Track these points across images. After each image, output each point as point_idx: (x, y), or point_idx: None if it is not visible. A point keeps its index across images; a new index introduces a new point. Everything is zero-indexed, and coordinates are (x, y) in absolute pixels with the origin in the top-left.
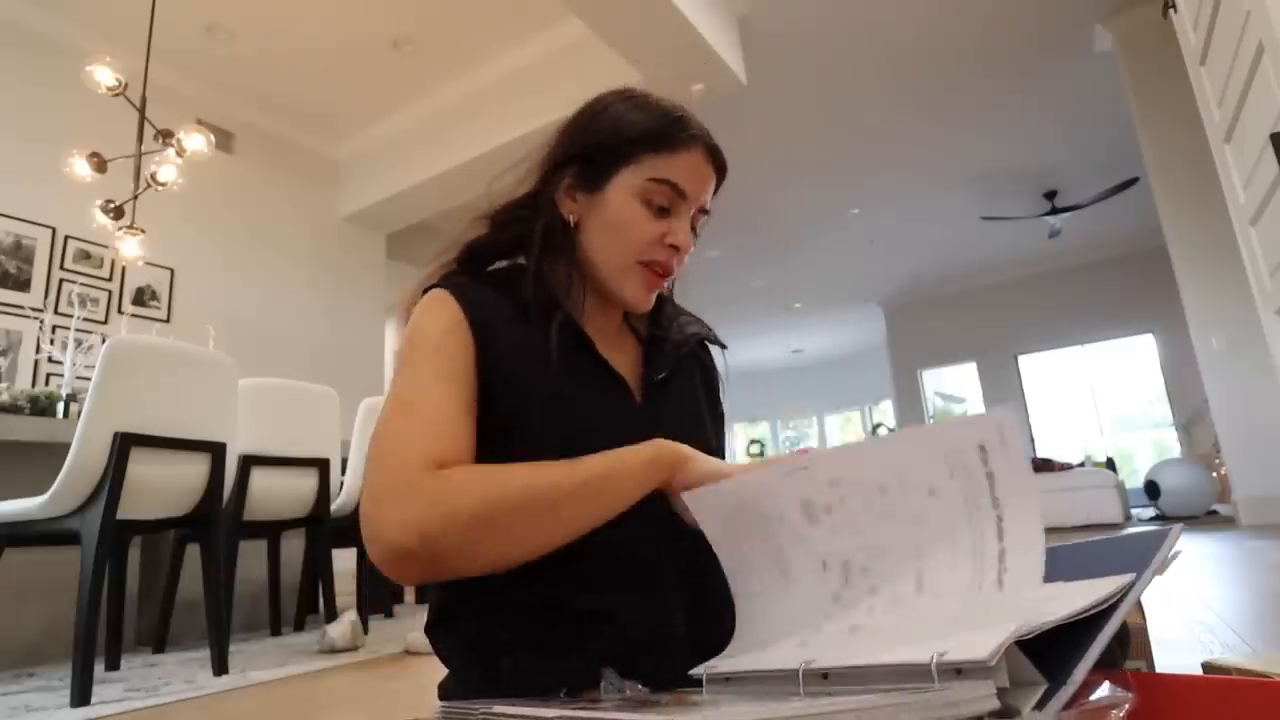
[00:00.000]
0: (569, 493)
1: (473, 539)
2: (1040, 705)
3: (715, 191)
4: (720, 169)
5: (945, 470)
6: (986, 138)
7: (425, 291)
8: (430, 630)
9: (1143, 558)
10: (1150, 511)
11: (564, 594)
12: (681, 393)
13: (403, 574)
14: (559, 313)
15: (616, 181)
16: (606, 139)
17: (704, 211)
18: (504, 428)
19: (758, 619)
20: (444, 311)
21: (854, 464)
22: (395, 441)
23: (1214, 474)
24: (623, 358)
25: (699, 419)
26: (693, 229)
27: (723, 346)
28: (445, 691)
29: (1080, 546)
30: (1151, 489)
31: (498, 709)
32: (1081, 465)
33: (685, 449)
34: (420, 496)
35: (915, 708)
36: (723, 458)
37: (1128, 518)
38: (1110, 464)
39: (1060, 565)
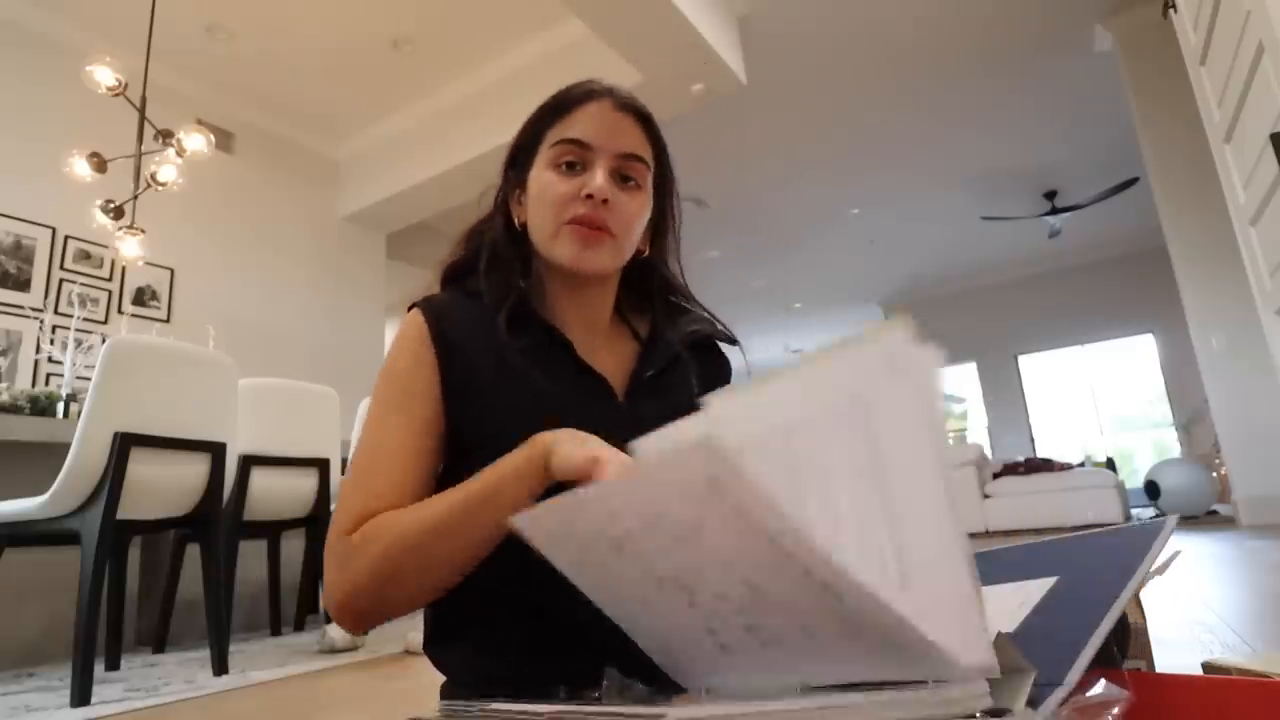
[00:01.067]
0: (459, 516)
1: (386, 588)
2: (1034, 704)
3: (657, 143)
4: (638, 115)
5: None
6: (986, 138)
7: (410, 309)
8: (428, 646)
9: (1137, 552)
10: (1150, 512)
11: (556, 601)
12: (675, 391)
13: (351, 628)
14: (509, 299)
15: (535, 165)
16: (522, 134)
17: (634, 158)
18: (479, 435)
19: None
20: (409, 334)
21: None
22: (339, 504)
23: (1214, 474)
24: (613, 356)
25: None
26: (630, 179)
27: (733, 342)
28: (447, 695)
29: (1075, 541)
30: (1151, 489)
31: (494, 706)
32: (1081, 465)
33: (553, 436)
34: (338, 562)
35: (910, 705)
36: None
37: (1128, 518)
38: (1110, 464)
39: (1055, 560)
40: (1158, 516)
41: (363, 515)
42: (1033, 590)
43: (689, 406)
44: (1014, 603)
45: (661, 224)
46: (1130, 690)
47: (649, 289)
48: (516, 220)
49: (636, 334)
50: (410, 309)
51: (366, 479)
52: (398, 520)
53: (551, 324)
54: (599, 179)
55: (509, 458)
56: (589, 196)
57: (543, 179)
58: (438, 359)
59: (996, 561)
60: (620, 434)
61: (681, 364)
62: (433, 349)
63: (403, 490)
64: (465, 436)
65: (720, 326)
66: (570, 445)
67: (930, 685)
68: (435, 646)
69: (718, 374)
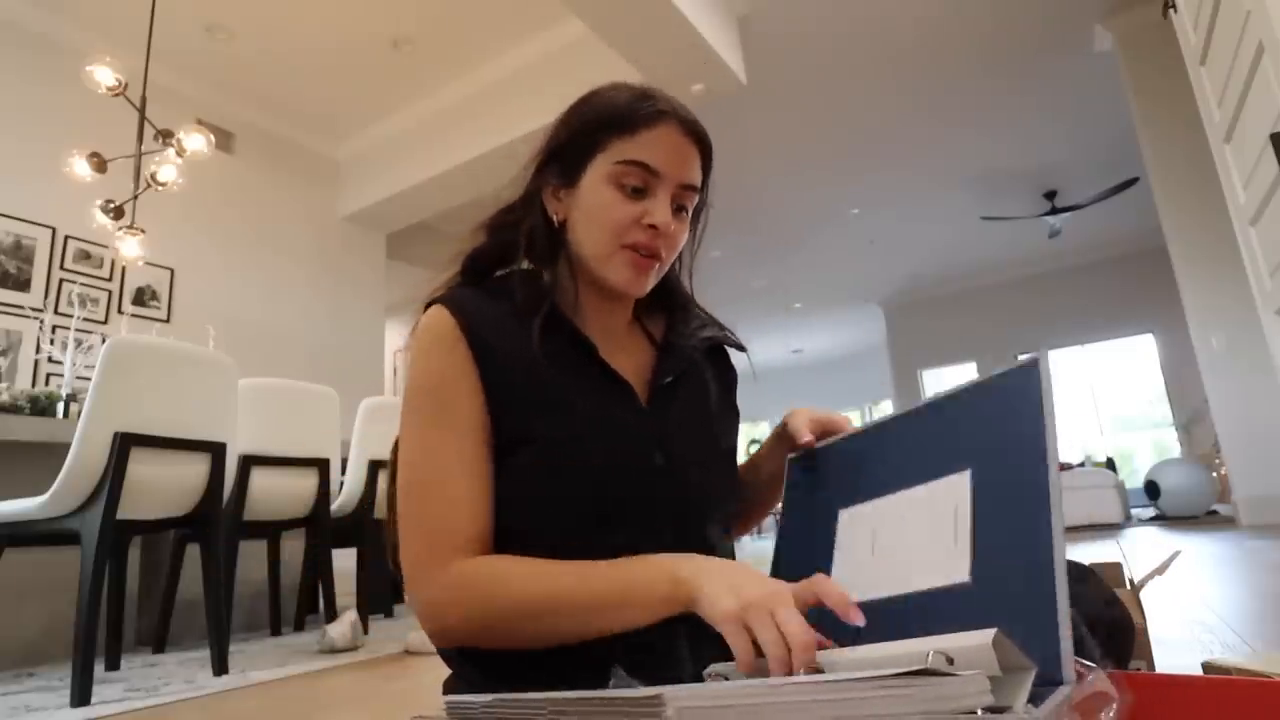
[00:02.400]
0: (570, 607)
1: (480, 635)
2: (1036, 702)
3: (707, 170)
4: (701, 143)
5: None
6: (986, 138)
7: (429, 306)
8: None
9: (1029, 416)
10: (1150, 511)
11: None
12: (692, 397)
13: (434, 641)
14: (543, 308)
15: (589, 172)
16: (575, 132)
17: (691, 189)
18: (511, 439)
19: None
20: (440, 334)
21: None
22: (405, 525)
23: (1214, 474)
24: (632, 360)
25: (708, 424)
26: (683, 208)
27: (741, 349)
28: (449, 691)
29: (947, 411)
30: (1151, 489)
31: (496, 699)
32: (1081, 465)
33: (691, 568)
34: (436, 592)
35: (912, 699)
36: (734, 460)
37: (1128, 518)
38: (1110, 464)
39: (941, 438)
40: (1158, 517)
41: (441, 542)
42: (952, 498)
43: (706, 413)
44: (943, 522)
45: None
46: (1128, 688)
47: (664, 293)
48: (553, 215)
49: (651, 336)
50: (428, 305)
51: (431, 504)
52: (503, 578)
53: (578, 328)
54: (665, 212)
55: (643, 585)
56: (651, 227)
57: (602, 195)
58: (474, 357)
59: (882, 437)
60: (644, 438)
61: (697, 369)
62: (467, 347)
63: (474, 512)
64: (505, 434)
65: (728, 332)
66: (717, 589)
67: (926, 683)
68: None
69: (726, 376)
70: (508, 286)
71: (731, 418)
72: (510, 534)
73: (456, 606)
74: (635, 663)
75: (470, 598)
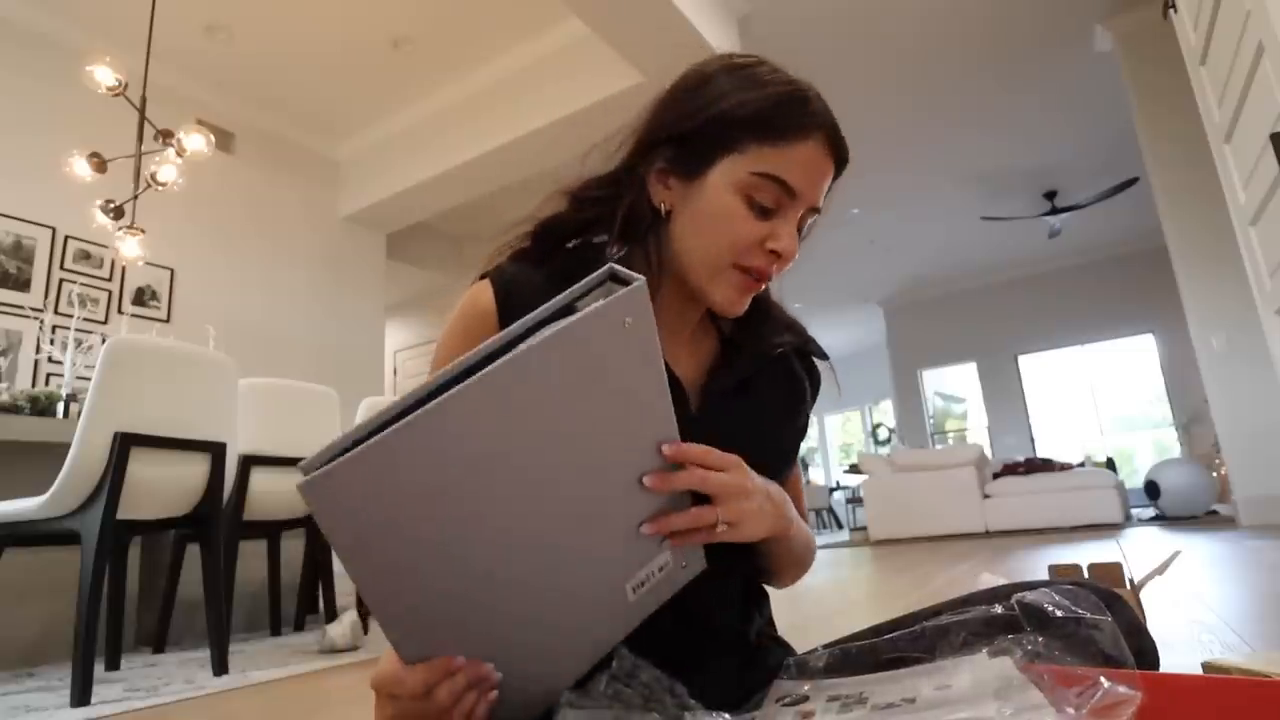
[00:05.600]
0: None
1: None
2: None
3: (831, 186)
4: (841, 160)
5: None
6: (986, 138)
7: (482, 277)
8: None
9: None
10: (1150, 511)
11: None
12: (754, 406)
13: None
14: None
15: (717, 171)
16: (707, 121)
17: (815, 211)
18: None
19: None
20: (472, 310)
21: None
22: None
23: (1214, 474)
24: (694, 360)
25: (764, 438)
26: (799, 230)
27: (823, 357)
28: None
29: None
30: (1151, 489)
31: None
32: (1081, 465)
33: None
34: None
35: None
36: (787, 470)
37: (1128, 518)
38: (1110, 464)
39: None
40: (1158, 517)
41: None
42: None
43: (765, 425)
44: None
45: None
46: (1142, 690)
47: None
48: (659, 203)
49: (720, 331)
50: (480, 278)
51: None
52: None
53: None
54: (791, 238)
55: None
56: (773, 253)
57: (726, 203)
58: None
59: None
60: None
61: (767, 373)
62: (499, 328)
63: None
64: None
65: (812, 340)
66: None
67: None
68: None
69: (798, 386)
70: (577, 261)
71: (790, 431)
72: None
73: None
74: (641, 643)
75: None
